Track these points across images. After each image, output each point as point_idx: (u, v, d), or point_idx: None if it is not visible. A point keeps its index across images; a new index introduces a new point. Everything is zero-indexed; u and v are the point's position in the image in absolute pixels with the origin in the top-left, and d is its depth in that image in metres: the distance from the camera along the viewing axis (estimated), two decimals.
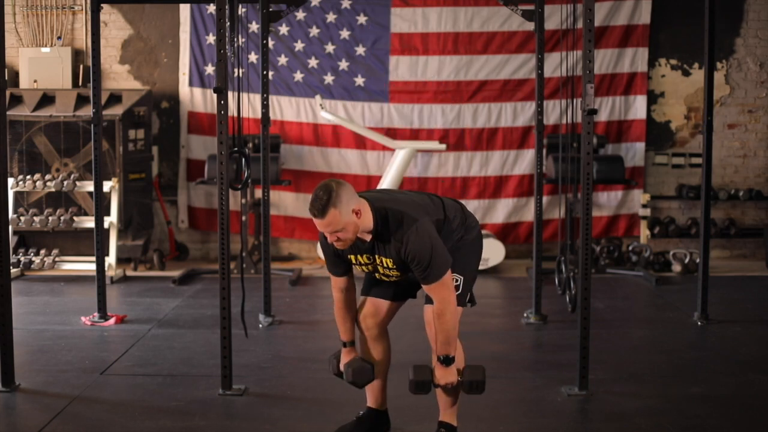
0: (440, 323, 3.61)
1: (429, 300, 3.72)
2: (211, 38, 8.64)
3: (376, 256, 3.68)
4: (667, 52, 8.83)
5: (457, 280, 3.72)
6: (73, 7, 8.77)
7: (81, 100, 8.12)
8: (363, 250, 3.70)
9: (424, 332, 3.82)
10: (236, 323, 4.80)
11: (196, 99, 8.78)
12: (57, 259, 7.82)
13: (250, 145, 7.76)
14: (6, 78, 4.74)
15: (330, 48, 8.72)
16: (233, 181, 5.05)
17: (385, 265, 3.68)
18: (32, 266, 7.77)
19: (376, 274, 3.78)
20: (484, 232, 8.52)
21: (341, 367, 3.90)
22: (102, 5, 6.07)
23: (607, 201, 8.82)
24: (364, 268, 3.77)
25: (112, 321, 6.15)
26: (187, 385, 4.76)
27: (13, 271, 7.66)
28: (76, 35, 8.80)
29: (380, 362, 3.95)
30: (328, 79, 8.74)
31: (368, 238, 3.65)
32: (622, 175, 8.29)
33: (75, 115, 8.03)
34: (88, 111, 7.53)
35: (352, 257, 3.74)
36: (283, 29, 8.65)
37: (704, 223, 6.25)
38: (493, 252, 8.13)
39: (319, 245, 3.86)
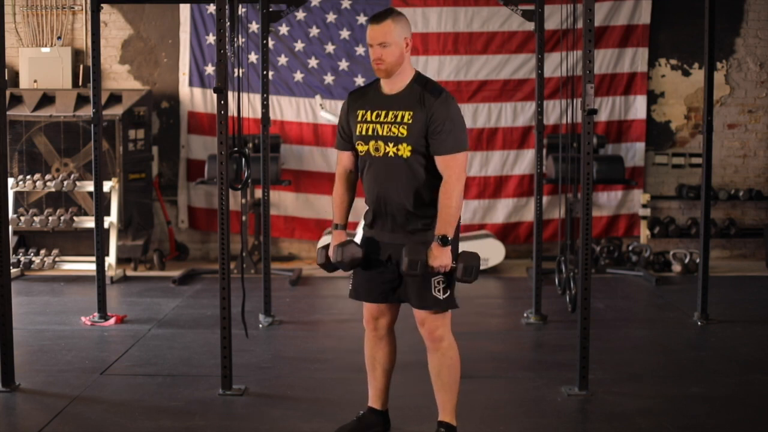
0: (445, 199, 3.59)
1: (418, 305, 3.70)
2: (211, 38, 8.64)
3: (392, 113, 3.64)
4: (667, 52, 8.83)
5: (444, 282, 3.69)
6: (73, 7, 8.77)
7: (81, 100, 8.11)
8: (378, 105, 3.68)
9: None
10: (236, 323, 4.80)
11: (196, 99, 8.78)
12: (57, 259, 7.81)
13: (250, 145, 7.76)
14: (6, 78, 4.74)
15: (330, 48, 8.72)
16: (233, 181, 5.05)
17: (399, 119, 3.62)
18: (32, 266, 7.77)
19: (371, 143, 3.68)
20: (484, 232, 8.54)
21: (331, 252, 3.80)
22: (102, 5, 6.07)
23: (607, 201, 8.81)
24: (364, 128, 3.69)
25: (112, 321, 6.15)
26: (187, 385, 4.76)
27: (13, 271, 7.66)
28: (76, 35, 8.80)
29: (385, 363, 3.95)
30: (328, 79, 8.74)
31: (399, 85, 3.67)
32: (622, 175, 8.29)
33: (75, 115, 8.03)
34: (88, 111, 7.53)
35: (360, 113, 3.70)
36: (283, 29, 8.65)
37: (704, 223, 6.25)
38: (493, 252, 8.13)
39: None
